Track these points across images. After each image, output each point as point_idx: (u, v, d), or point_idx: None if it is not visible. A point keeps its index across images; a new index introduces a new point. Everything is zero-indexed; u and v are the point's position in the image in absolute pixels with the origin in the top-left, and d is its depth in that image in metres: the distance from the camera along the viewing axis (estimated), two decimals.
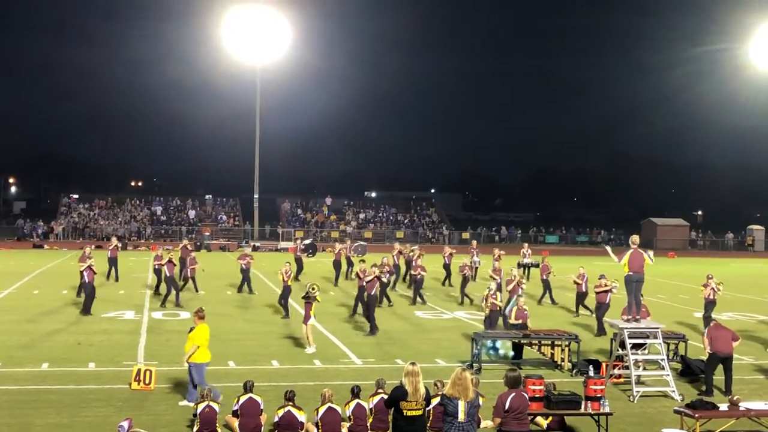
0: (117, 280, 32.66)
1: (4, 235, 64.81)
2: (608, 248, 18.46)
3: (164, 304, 25.66)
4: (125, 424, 11.99)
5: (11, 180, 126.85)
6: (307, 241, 52.29)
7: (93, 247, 29.76)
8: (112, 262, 32.90)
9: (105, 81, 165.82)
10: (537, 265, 39.55)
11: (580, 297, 25.88)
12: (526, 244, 43.21)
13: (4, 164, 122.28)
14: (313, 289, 19.55)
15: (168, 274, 26.37)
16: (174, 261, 26.92)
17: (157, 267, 28.25)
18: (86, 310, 23.93)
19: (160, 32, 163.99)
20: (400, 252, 34.02)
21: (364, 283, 22.69)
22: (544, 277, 29.80)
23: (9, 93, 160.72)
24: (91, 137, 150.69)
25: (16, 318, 23.20)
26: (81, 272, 24.52)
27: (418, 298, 28.32)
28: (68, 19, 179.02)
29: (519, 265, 39.95)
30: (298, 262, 35.56)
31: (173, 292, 26.42)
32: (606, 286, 22.31)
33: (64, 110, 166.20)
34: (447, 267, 35.45)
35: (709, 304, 23.97)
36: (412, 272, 29.74)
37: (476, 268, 38.56)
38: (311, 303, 19.23)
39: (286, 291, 24.68)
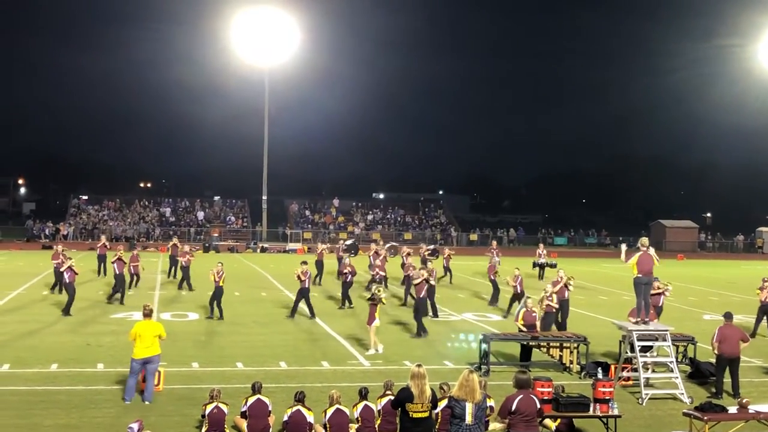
0: (105, 274, 34.25)
1: (14, 235, 65.00)
2: (623, 246, 18.35)
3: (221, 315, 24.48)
4: (135, 425, 12.01)
5: (20, 181, 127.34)
6: (349, 242, 52.94)
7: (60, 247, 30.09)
8: (101, 259, 35.05)
9: (115, 83, 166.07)
10: (553, 265, 40.06)
11: (515, 297, 25.53)
12: (541, 245, 44.05)
13: (13, 165, 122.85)
14: (378, 291, 19.75)
15: (67, 281, 24.64)
16: (75, 269, 24.61)
17: (56, 265, 27.98)
18: (66, 310, 23.95)
19: (169, 35, 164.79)
20: (376, 252, 33.76)
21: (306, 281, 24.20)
22: (492, 278, 29.45)
23: (19, 94, 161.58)
24: (100, 139, 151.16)
25: (26, 319, 23.26)
26: (61, 272, 24.82)
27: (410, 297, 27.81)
28: (78, 22, 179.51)
29: (534, 265, 40.54)
30: (340, 261, 35.85)
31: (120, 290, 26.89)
32: (659, 288, 22.12)
33: (74, 112, 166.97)
34: (446, 268, 35.76)
35: (765, 308, 23.64)
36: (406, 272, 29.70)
37: (496, 266, 39.01)
38: (376, 305, 19.39)
39: (218, 292, 24.17)
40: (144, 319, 14.88)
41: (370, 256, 32.19)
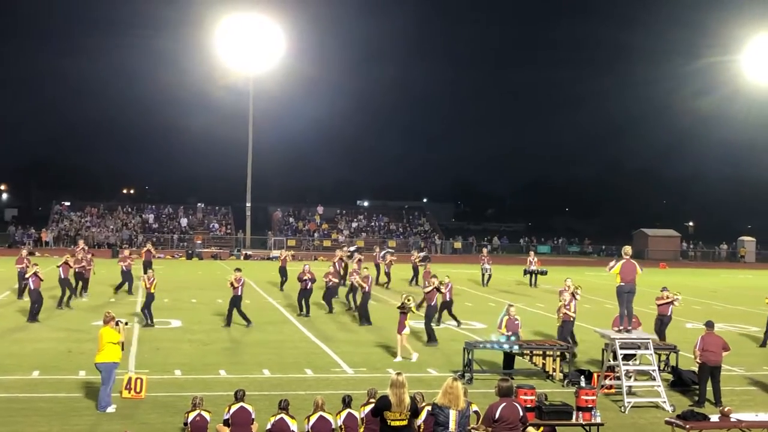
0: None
1: None
2: (612, 262, 18.42)
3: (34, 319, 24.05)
4: None
5: (2, 187, 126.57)
6: (353, 248, 53.15)
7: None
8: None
9: (98, 89, 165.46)
10: (544, 273, 40.53)
11: (445, 305, 25.45)
12: (532, 252, 44.43)
13: None
14: (408, 300, 19.88)
15: (32, 287, 24.40)
16: (40, 275, 24.50)
17: (19, 270, 27.87)
18: (33, 316, 23.86)
19: (153, 41, 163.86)
20: (341, 258, 33.85)
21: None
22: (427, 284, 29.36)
23: (1, 101, 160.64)
24: (83, 145, 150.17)
25: (6, 325, 23.12)
26: (27, 278, 24.64)
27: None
28: (59, 28, 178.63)
29: (525, 272, 41.00)
30: (415, 269, 38.66)
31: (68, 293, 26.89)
32: (668, 298, 22.18)
33: (56, 118, 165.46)
34: (387, 274, 37.54)
35: None
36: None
37: (489, 276, 39.50)
38: (406, 313, 19.56)
39: (236, 300, 24.09)
40: (103, 326, 14.87)
41: (335, 263, 31.80)
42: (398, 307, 19.99)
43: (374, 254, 40.67)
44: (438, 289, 22.58)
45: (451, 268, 48.82)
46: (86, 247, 35.66)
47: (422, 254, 44.43)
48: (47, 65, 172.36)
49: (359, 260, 32.47)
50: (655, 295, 22.52)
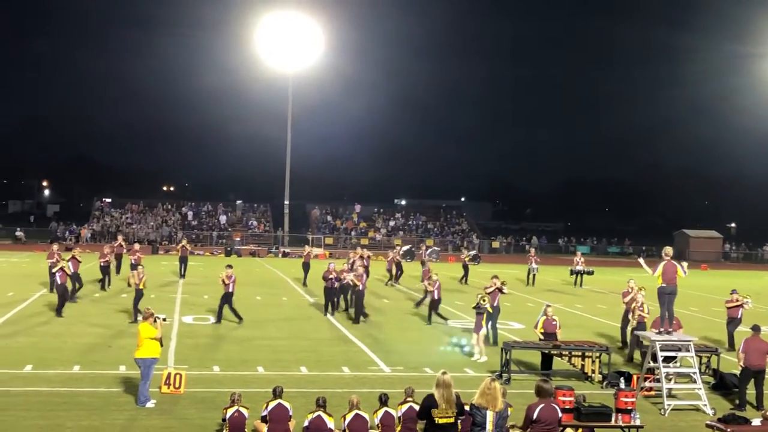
0: (118, 273, 35.73)
1: (38, 237, 65.55)
2: (641, 260, 18.26)
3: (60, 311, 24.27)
4: None
5: (45, 183, 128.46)
6: (406, 247, 53.80)
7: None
8: (117, 258, 36.50)
9: (139, 88, 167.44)
10: (590, 273, 40.51)
11: (433, 303, 25.44)
12: (579, 252, 44.86)
13: (38, 168, 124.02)
14: (483, 300, 20.07)
15: (59, 282, 24.70)
16: (67, 270, 24.96)
17: (50, 264, 27.95)
18: (59, 311, 24.10)
19: (194, 40, 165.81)
20: (361, 257, 33.37)
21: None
22: (426, 282, 28.73)
23: (45, 98, 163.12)
24: (124, 142, 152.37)
25: (48, 320, 23.43)
26: (53, 273, 24.81)
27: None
28: (101, 28, 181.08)
29: (571, 272, 41.01)
30: (398, 266, 38.65)
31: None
32: (737, 301, 21.96)
33: (98, 116, 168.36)
34: (465, 267, 38.85)
35: None
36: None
37: (534, 275, 39.60)
38: (482, 314, 19.81)
39: (228, 296, 24.06)
40: (142, 322, 15.04)
41: (354, 260, 31.81)
42: (474, 308, 20.17)
43: (420, 252, 41.38)
44: (500, 290, 22.16)
45: (499, 268, 48.76)
46: (123, 243, 38.28)
47: (472, 253, 44.82)
48: (89, 64, 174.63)
49: (368, 257, 32.74)
50: (695, 296, 22.26)
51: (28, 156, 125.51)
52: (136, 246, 35.71)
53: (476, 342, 19.91)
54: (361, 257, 32.83)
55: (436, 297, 25.28)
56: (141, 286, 23.87)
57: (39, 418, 13.37)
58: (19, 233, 65.86)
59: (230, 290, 24.08)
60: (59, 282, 24.46)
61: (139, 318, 23.16)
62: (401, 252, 42.01)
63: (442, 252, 63.07)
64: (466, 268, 40.24)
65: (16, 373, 16.55)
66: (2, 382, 15.68)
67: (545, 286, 39.91)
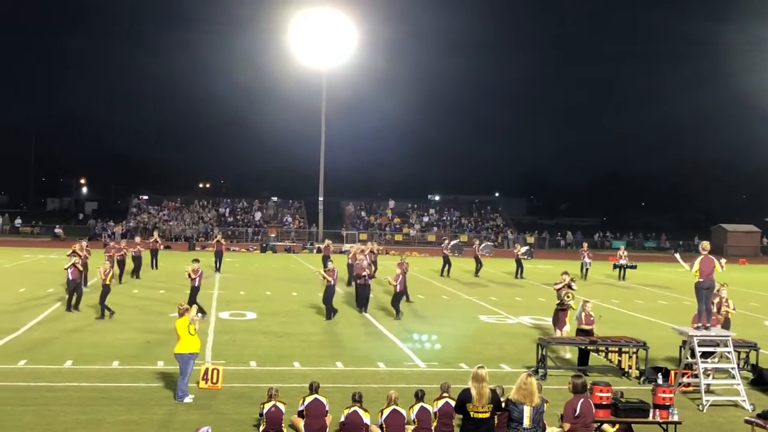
0: (156, 268, 38.43)
1: (77, 234, 66.14)
2: (678, 256, 18.11)
3: (70, 309, 24.44)
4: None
5: (83, 181, 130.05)
6: (454, 242, 54.30)
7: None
8: (153, 254, 38.95)
9: (175, 85, 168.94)
10: (633, 267, 40.73)
11: (396, 296, 25.41)
12: (621, 247, 45.25)
13: (76, 165, 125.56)
14: (568, 297, 20.06)
15: (70, 278, 24.74)
16: (79, 267, 24.80)
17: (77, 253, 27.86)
18: (68, 305, 24.32)
19: (229, 37, 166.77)
20: (372, 251, 33.83)
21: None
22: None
23: (82, 97, 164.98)
24: (161, 140, 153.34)
25: (88, 316, 23.72)
26: (66, 268, 24.74)
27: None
28: (137, 25, 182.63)
29: (615, 267, 41.21)
30: (446, 260, 40.14)
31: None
32: None
33: (135, 114, 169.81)
34: (518, 262, 40.10)
35: None
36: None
37: (587, 269, 39.99)
38: (566, 310, 19.87)
39: (105, 290, 23.65)
40: (179, 317, 15.15)
41: (366, 255, 31.98)
42: (557, 304, 20.10)
43: (473, 247, 42.54)
44: (569, 286, 21.79)
45: (551, 263, 48.79)
46: (158, 239, 40.47)
47: (525, 248, 45.18)
48: (125, 62, 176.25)
49: (377, 251, 32.92)
50: (733, 291, 22.02)
51: (66, 154, 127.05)
52: (137, 239, 37.19)
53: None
54: (372, 252, 33.03)
55: (398, 290, 25.39)
56: (108, 282, 23.65)
57: (79, 413, 13.56)
58: (58, 230, 66.73)
59: (196, 285, 23.74)
60: (70, 278, 24.69)
61: (107, 314, 23.44)
62: (449, 246, 42.29)
63: (466, 248, 62.86)
64: (519, 263, 40.86)
65: (57, 368, 16.79)
66: (43, 377, 15.93)
67: (595, 280, 40.32)
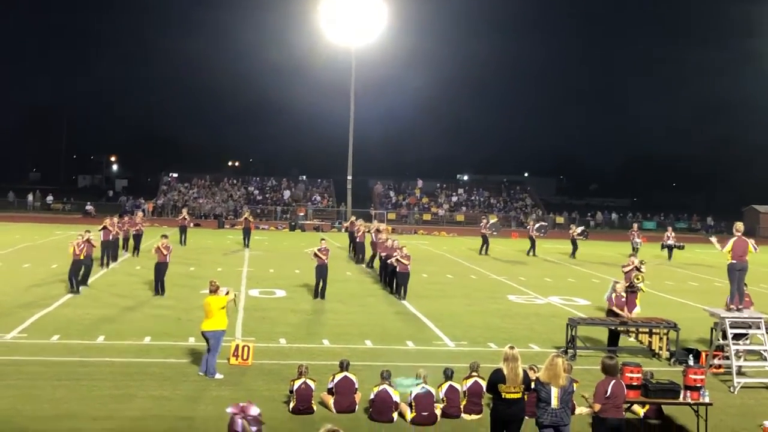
0: (185, 244, 39.02)
1: (108, 211, 66.60)
2: (713, 239, 17.88)
3: (77, 289, 23.78)
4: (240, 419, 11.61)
5: (113, 158, 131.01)
6: (539, 224, 54.36)
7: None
8: (182, 230, 40.03)
9: (205, 64, 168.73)
10: (681, 247, 41.09)
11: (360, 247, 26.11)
12: (669, 228, 45.14)
13: (107, 143, 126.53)
14: (637, 279, 20.01)
15: (102, 239, 25.30)
16: (92, 242, 24.35)
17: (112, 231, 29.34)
18: (80, 283, 23.98)
19: (258, 16, 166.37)
20: (377, 230, 33.60)
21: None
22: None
23: (112, 75, 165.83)
24: (191, 118, 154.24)
25: (120, 292, 23.95)
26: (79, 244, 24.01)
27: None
28: (167, 3, 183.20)
29: (663, 247, 41.65)
30: (485, 239, 41.07)
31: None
32: None
33: (166, 92, 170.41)
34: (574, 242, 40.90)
35: None
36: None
37: (637, 248, 40.64)
38: (636, 293, 19.76)
39: (162, 267, 23.61)
40: (210, 294, 15.19)
41: (372, 234, 32.61)
42: (627, 287, 19.81)
43: (528, 228, 43.72)
44: (638, 269, 20.85)
45: (602, 245, 48.56)
46: (186, 216, 41.23)
47: (581, 228, 45.43)
48: (156, 41, 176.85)
49: (377, 230, 33.09)
50: (766, 273, 21.77)
51: (97, 132, 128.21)
52: (138, 218, 36.83)
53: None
54: (378, 230, 33.06)
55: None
56: (81, 257, 23.45)
57: (111, 387, 13.71)
58: (89, 207, 67.36)
59: (166, 260, 23.62)
60: (102, 239, 24.85)
61: (76, 288, 23.23)
62: (535, 228, 42.72)
63: (505, 227, 62.65)
64: (574, 243, 41.42)
65: (90, 343, 16.99)
66: (76, 352, 16.13)
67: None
